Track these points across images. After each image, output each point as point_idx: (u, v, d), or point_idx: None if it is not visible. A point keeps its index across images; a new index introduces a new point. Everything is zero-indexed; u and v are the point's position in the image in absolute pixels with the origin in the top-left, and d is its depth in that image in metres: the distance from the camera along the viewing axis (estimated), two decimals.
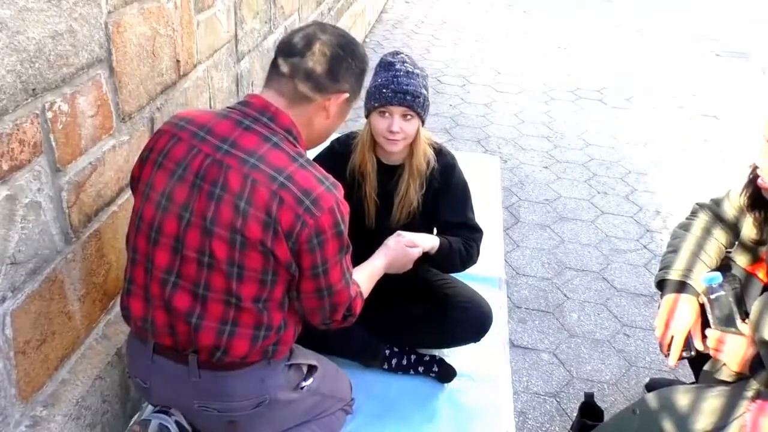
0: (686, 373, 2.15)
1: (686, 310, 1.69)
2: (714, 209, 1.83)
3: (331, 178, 1.37)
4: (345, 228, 1.37)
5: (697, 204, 1.89)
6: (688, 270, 1.72)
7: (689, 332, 1.68)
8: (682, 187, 3.73)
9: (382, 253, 1.76)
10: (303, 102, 1.38)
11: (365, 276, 1.65)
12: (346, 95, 1.41)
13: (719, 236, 1.79)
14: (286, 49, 1.39)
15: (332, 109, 1.41)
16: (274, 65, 1.40)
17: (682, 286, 1.72)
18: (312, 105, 1.38)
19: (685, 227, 1.85)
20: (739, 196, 1.74)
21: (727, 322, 1.60)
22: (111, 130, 1.65)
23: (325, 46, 1.37)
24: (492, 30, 6.69)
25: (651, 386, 2.22)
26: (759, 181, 1.61)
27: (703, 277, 1.66)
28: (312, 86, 1.36)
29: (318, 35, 1.38)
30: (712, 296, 1.62)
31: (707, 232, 1.80)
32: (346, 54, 1.39)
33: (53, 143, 1.41)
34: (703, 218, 1.84)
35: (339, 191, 1.36)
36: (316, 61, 1.36)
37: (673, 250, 1.80)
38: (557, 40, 6.45)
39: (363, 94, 1.61)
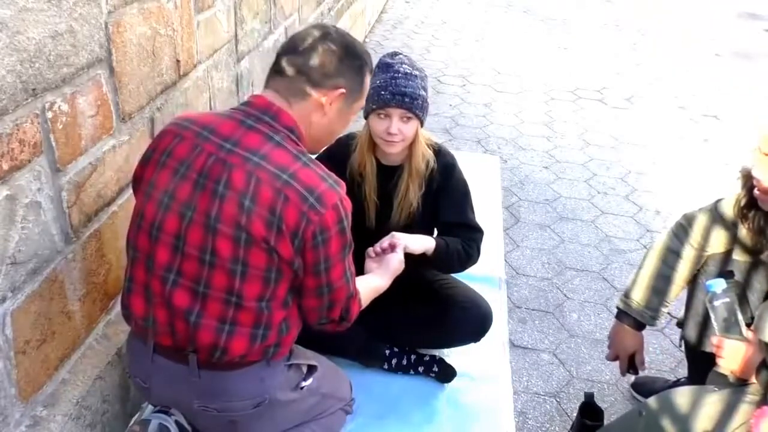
0: (681, 372, 2.15)
1: (626, 340, 1.95)
2: (686, 226, 1.87)
3: (334, 176, 1.38)
4: (348, 225, 1.37)
5: (680, 220, 1.92)
6: (634, 300, 1.90)
7: (633, 355, 1.95)
8: (683, 187, 3.73)
9: (388, 276, 1.73)
10: (299, 98, 1.38)
11: (366, 292, 1.61)
12: (341, 90, 1.40)
13: (685, 257, 1.85)
14: (285, 48, 1.42)
15: (329, 106, 1.40)
16: (273, 65, 1.42)
17: (626, 314, 1.93)
18: (308, 101, 1.39)
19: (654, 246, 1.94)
20: (732, 207, 1.75)
21: (731, 329, 1.60)
22: (111, 130, 1.65)
23: (319, 43, 1.39)
24: (492, 30, 6.69)
25: (636, 385, 2.24)
26: (755, 192, 1.61)
27: (707, 283, 1.66)
28: (305, 81, 1.37)
29: (314, 34, 1.41)
30: (716, 303, 1.61)
31: (671, 255, 1.87)
32: (339, 50, 1.39)
33: (53, 143, 1.41)
34: (672, 238, 1.89)
35: (342, 188, 1.37)
36: (309, 57, 1.37)
37: (636, 272, 1.94)
38: (557, 40, 6.45)
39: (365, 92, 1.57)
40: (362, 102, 1.51)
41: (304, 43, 1.39)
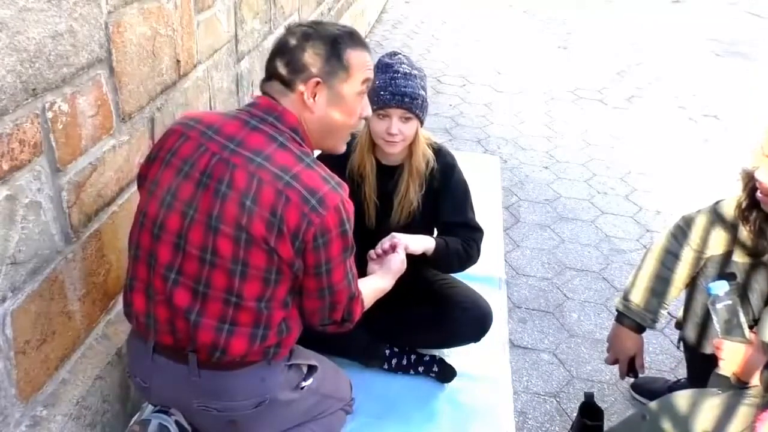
0: (681, 372, 2.15)
1: (626, 342, 1.93)
2: (685, 227, 1.86)
3: (337, 178, 1.37)
4: (350, 227, 1.37)
5: (678, 222, 1.91)
6: (633, 302, 1.90)
7: (632, 358, 1.93)
8: (682, 187, 3.73)
9: (390, 276, 1.74)
10: (284, 97, 1.40)
11: (369, 293, 1.62)
12: (315, 79, 1.37)
13: (684, 259, 1.84)
14: (268, 55, 1.46)
15: (311, 99, 1.38)
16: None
17: (626, 316, 1.92)
18: (292, 98, 1.39)
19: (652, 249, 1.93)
20: (733, 208, 1.74)
21: (733, 331, 1.60)
22: (111, 130, 1.65)
23: (287, 40, 1.41)
24: (492, 30, 6.69)
25: (636, 385, 2.24)
26: (758, 194, 1.60)
27: (708, 285, 1.66)
28: (283, 81, 1.39)
29: (285, 35, 1.43)
30: (718, 305, 1.61)
31: (669, 256, 1.86)
32: (299, 40, 1.38)
33: (53, 143, 1.41)
34: (671, 239, 1.88)
35: (344, 190, 1.37)
36: (278, 59, 1.40)
37: (634, 274, 1.93)
38: (557, 40, 6.45)
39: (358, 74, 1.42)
40: (355, 79, 1.40)
41: (278, 44, 1.42)
